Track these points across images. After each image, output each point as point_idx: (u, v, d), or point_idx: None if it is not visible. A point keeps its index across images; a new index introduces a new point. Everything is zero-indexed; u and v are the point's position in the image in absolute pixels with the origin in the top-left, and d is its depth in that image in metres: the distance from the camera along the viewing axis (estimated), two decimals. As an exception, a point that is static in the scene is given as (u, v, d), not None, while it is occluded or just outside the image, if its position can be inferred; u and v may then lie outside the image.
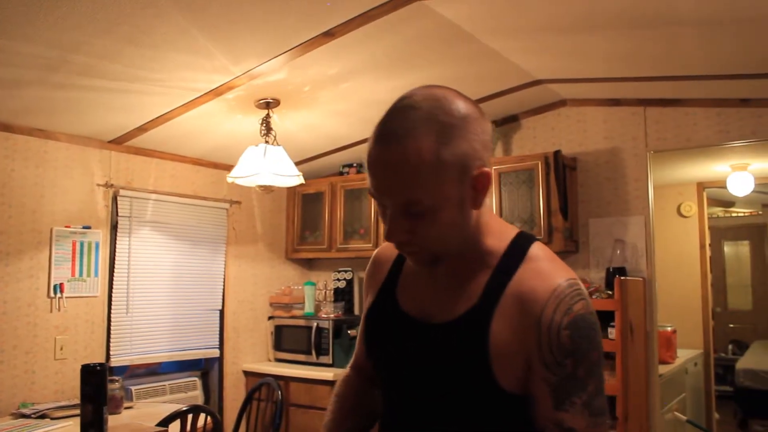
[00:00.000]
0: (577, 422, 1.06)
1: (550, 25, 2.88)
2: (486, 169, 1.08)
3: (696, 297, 5.59)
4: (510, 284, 1.11)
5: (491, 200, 1.08)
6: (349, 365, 1.53)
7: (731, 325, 8.07)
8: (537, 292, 1.08)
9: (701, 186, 5.71)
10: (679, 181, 5.65)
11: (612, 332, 3.53)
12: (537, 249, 1.16)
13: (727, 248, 8.40)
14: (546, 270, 1.12)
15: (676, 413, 4.43)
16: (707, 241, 5.71)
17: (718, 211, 7.42)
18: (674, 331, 4.80)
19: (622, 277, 3.61)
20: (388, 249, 1.37)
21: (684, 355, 4.97)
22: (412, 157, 1.02)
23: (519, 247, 1.16)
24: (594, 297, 3.64)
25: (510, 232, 1.19)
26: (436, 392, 1.17)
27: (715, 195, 6.17)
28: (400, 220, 1.08)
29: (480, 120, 1.11)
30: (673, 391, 4.47)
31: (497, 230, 1.19)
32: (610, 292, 3.63)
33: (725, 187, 5.30)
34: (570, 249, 3.99)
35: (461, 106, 1.09)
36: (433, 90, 1.10)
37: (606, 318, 3.60)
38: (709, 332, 5.56)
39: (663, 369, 4.17)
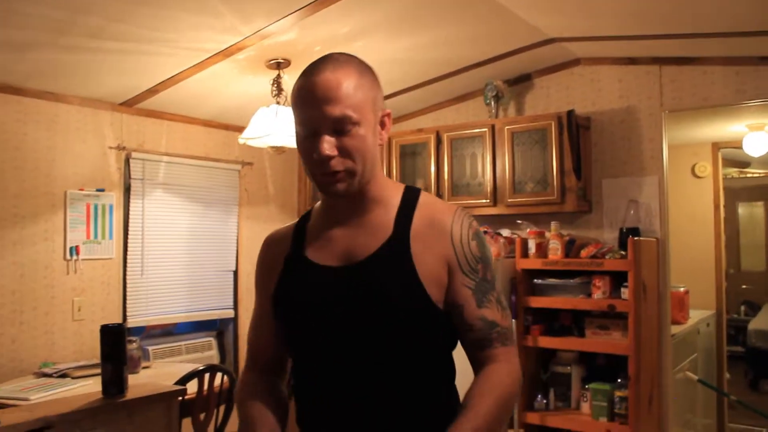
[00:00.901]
0: (495, 314, 1.30)
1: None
2: (388, 111, 1.34)
3: (709, 258, 5.56)
4: (415, 215, 1.31)
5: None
6: (242, 370, 1.49)
7: (744, 286, 8.04)
8: (442, 215, 1.31)
9: (716, 146, 5.64)
10: (694, 141, 5.58)
11: (625, 292, 3.53)
12: (426, 194, 1.39)
13: (741, 209, 8.33)
14: (440, 204, 1.37)
15: (687, 373, 4.45)
16: (721, 202, 5.66)
17: (733, 171, 7.33)
18: (687, 292, 4.79)
19: (635, 238, 3.60)
20: (280, 231, 1.48)
21: (696, 315, 4.97)
22: (343, 79, 1.24)
23: (412, 193, 1.37)
24: (607, 257, 3.64)
25: (399, 184, 1.41)
26: (372, 330, 1.25)
27: (730, 155, 6.08)
28: (330, 137, 1.24)
29: (376, 77, 1.34)
30: (685, 352, 4.48)
31: (388, 181, 1.39)
32: (623, 253, 3.62)
33: (741, 148, 5.23)
34: (583, 209, 3.97)
35: (363, 63, 1.32)
36: (337, 53, 1.32)
37: (619, 278, 3.60)
38: (721, 293, 5.55)
39: (675, 329, 4.18)
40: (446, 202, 1.38)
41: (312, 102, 1.24)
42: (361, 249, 1.30)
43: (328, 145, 1.23)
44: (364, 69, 1.31)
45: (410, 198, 1.35)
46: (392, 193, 1.35)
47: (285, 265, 1.38)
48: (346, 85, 1.24)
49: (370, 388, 1.26)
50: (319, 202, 1.43)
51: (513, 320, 1.40)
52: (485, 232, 3.94)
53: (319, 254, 1.34)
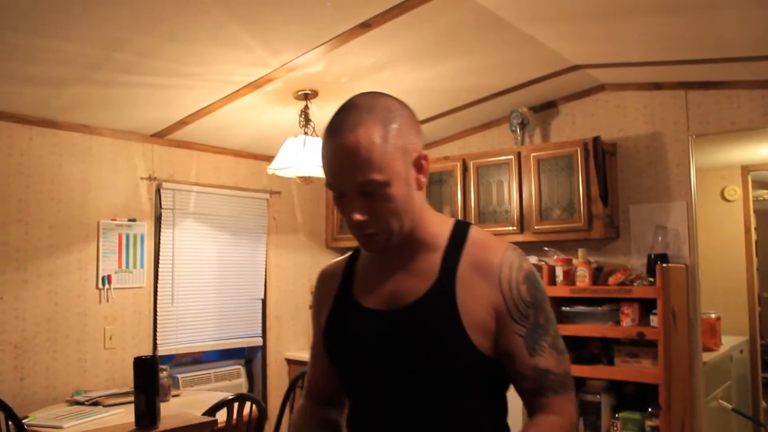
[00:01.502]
0: (549, 362, 1.24)
1: (588, 10, 2.85)
2: (424, 152, 1.27)
3: (741, 282, 5.47)
4: (462, 258, 1.26)
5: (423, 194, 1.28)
6: (303, 396, 1.52)
7: (778, 311, 7.88)
8: (490, 258, 1.25)
9: (746, 169, 5.58)
10: (723, 165, 5.53)
11: (654, 320, 3.49)
12: (476, 230, 1.32)
13: (774, 232, 8.18)
14: (490, 242, 1.30)
15: (721, 401, 4.37)
16: (753, 225, 5.58)
17: (764, 194, 7.23)
18: (718, 318, 4.71)
19: (664, 264, 3.56)
20: (332, 266, 1.47)
21: (729, 342, 4.88)
22: (364, 141, 1.18)
23: (461, 230, 1.31)
24: (635, 284, 3.61)
25: (448, 219, 1.35)
26: (418, 374, 1.24)
27: (760, 178, 6.01)
28: (358, 200, 1.21)
29: (409, 114, 1.28)
30: (717, 379, 4.40)
31: (438, 218, 1.34)
32: (651, 279, 3.59)
33: (771, 170, 5.18)
34: (610, 236, 3.95)
35: (393, 103, 1.26)
36: (368, 94, 1.27)
37: (648, 305, 3.57)
38: (755, 318, 5.45)
39: (707, 356, 4.11)
40: (496, 239, 1.33)
41: (335, 167, 1.21)
42: (406, 294, 1.27)
43: (358, 209, 1.21)
44: (391, 116, 1.22)
45: (458, 236, 1.30)
46: (441, 232, 1.30)
47: (334, 304, 1.39)
48: (367, 146, 1.17)
49: (414, 430, 1.26)
50: None
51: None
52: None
53: (366, 296, 1.33)
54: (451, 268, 1.25)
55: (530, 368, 1.23)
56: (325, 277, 1.46)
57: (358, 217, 1.21)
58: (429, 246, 1.29)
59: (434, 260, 1.27)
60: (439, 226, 1.31)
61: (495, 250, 1.27)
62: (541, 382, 1.23)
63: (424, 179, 1.27)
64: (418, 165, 1.26)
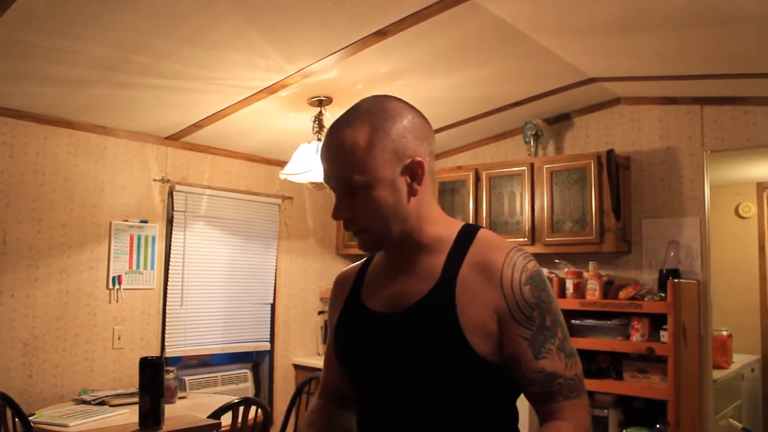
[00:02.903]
0: (557, 365, 1.19)
1: (605, 23, 2.84)
2: (419, 158, 1.23)
3: (754, 300, 5.42)
4: (465, 259, 1.23)
5: (435, 193, 1.29)
6: (316, 395, 1.53)
7: (791, 330, 7.79)
8: (493, 258, 1.21)
9: (761, 186, 5.54)
10: (737, 181, 5.49)
11: (664, 335, 3.46)
12: (484, 231, 1.29)
13: (788, 250, 8.10)
14: (495, 242, 1.26)
15: (731, 420, 4.32)
16: (767, 243, 5.54)
17: (779, 212, 7.17)
18: (730, 335, 4.67)
19: (675, 280, 3.54)
20: (348, 269, 1.48)
21: (740, 360, 4.83)
22: (348, 141, 1.20)
23: (468, 232, 1.29)
24: (646, 299, 3.58)
25: (457, 222, 1.32)
26: (418, 377, 1.22)
27: (775, 195, 5.97)
28: (343, 198, 1.23)
29: (416, 119, 1.26)
30: (728, 398, 4.36)
31: (445, 221, 1.31)
32: (662, 295, 3.56)
33: (787, 188, 5.13)
34: (622, 249, 3.93)
35: (396, 106, 1.26)
36: (377, 96, 1.29)
37: (658, 321, 3.54)
38: (767, 337, 5.40)
39: (717, 374, 4.07)
40: (503, 240, 1.28)
41: (324, 162, 1.26)
42: (407, 296, 1.25)
43: (342, 207, 1.24)
44: (387, 118, 1.23)
45: (465, 238, 1.27)
46: (447, 235, 1.28)
47: (343, 306, 1.40)
48: (350, 146, 1.20)
49: None
50: None
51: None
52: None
53: (371, 298, 1.34)
54: (452, 270, 1.23)
55: (537, 372, 1.18)
56: (340, 280, 1.48)
57: (339, 214, 1.24)
58: (433, 248, 1.27)
59: (437, 262, 1.25)
60: (445, 229, 1.29)
61: (499, 250, 1.23)
62: (549, 387, 1.19)
63: (417, 186, 1.24)
64: (412, 170, 1.24)
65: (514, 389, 1.25)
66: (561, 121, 4.39)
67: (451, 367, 1.19)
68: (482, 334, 1.18)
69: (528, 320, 1.19)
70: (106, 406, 3.28)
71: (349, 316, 1.37)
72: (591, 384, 3.68)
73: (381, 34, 2.85)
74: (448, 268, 1.23)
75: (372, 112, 1.23)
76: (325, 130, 3.66)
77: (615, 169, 3.86)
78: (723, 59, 3.19)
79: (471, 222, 4.25)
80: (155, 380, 1.96)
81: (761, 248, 5.48)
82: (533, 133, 4.29)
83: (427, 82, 3.52)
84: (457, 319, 1.18)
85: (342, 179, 1.22)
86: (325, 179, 1.27)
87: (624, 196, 3.95)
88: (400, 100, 1.29)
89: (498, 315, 1.19)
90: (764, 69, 3.21)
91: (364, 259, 1.46)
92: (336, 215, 1.25)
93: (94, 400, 3.36)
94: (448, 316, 1.19)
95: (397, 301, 1.27)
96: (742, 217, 5.59)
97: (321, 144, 1.28)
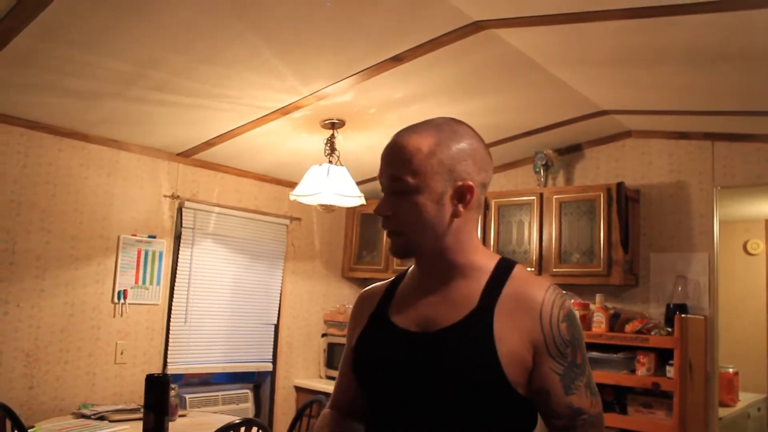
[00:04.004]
0: (584, 402, 1.23)
1: (617, 56, 2.86)
2: (470, 183, 1.27)
3: (761, 338, 5.38)
4: (504, 289, 1.26)
5: (477, 225, 1.33)
6: (327, 405, 1.53)
7: (797, 370, 7.72)
8: (532, 294, 1.24)
9: (770, 224, 5.53)
10: (747, 218, 5.48)
11: (670, 371, 3.44)
12: (520, 268, 1.32)
13: (795, 290, 8.05)
14: (533, 279, 1.29)
15: (735, 459, 4.26)
16: (775, 281, 5.51)
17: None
18: (736, 373, 4.63)
19: (682, 315, 3.52)
20: (374, 287, 1.49)
21: (747, 398, 4.78)
22: (412, 145, 1.25)
23: (506, 265, 1.31)
24: (653, 333, 3.56)
25: (495, 255, 1.36)
26: (441, 400, 1.21)
27: (784, 234, 5.95)
28: (389, 197, 1.28)
29: (479, 148, 1.31)
30: (733, 436, 4.31)
31: (483, 252, 1.35)
32: (669, 329, 3.54)
33: (796, 227, 5.12)
34: (629, 283, 3.91)
35: (465, 131, 1.31)
36: (452, 117, 1.35)
37: (665, 355, 3.51)
38: (773, 376, 5.35)
39: (723, 412, 4.03)
40: (540, 277, 1.34)
41: (383, 160, 1.30)
42: (442, 318, 1.26)
43: (384, 204, 1.28)
44: (454, 138, 1.28)
45: (503, 270, 1.30)
46: (484, 264, 1.30)
47: (368, 322, 1.40)
48: (412, 150, 1.25)
49: None
50: (413, 265, 1.42)
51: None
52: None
53: (400, 317, 1.33)
54: (491, 298, 1.24)
55: (565, 406, 1.21)
56: (364, 297, 1.48)
57: (382, 212, 1.28)
58: (470, 275, 1.29)
59: (475, 289, 1.27)
60: (483, 258, 1.32)
61: (539, 286, 1.26)
62: (574, 422, 1.22)
63: (462, 208, 1.27)
64: (461, 192, 1.27)
65: (531, 423, 1.27)
66: (572, 152, 4.40)
67: (481, 393, 1.20)
68: (518, 364, 1.20)
69: (562, 356, 1.22)
70: (106, 421, 3.26)
71: (374, 332, 1.37)
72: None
73: (397, 59, 2.87)
74: (486, 297, 1.25)
75: (442, 128, 1.29)
76: (337, 152, 3.70)
77: (624, 201, 3.86)
78: (734, 95, 3.21)
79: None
80: (161, 398, 1.95)
81: (769, 286, 5.44)
82: (543, 163, 4.29)
83: (441, 109, 3.54)
84: (495, 347, 1.19)
85: (394, 178, 1.26)
86: (379, 177, 1.31)
87: (633, 229, 3.94)
88: (471, 127, 1.34)
89: (534, 347, 1.21)
90: (776, 107, 3.22)
91: (393, 277, 1.47)
92: (378, 211, 1.29)
93: (94, 414, 3.34)
94: (486, 343, 1.20)
95: (429, 322, 1.27)
96: (750, 254, 5.57)
97: (385, 147, 1.32)
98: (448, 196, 1.26)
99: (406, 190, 1.25)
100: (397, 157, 1.26)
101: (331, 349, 4.88)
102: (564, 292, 1.27)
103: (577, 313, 1.27)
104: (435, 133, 1.27)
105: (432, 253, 1.29)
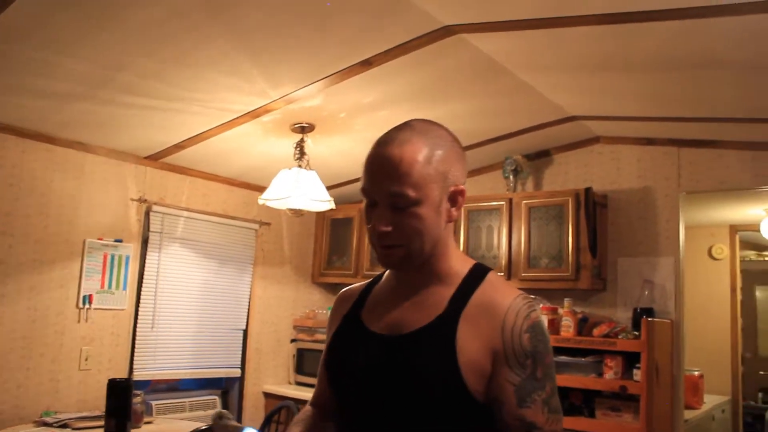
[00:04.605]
0: (538, 417, 1.18)
1: (587, 63, 2.89)
2: (462, 187, 1.28)
3: (725, 342, 5.48)
4: (473, 296, 1.25)
5: (453, 232, 1.34)
6: (308, 402, 1.56)
7: (761, 372, 7.85)
8: (498, 302, 1.23)
9: (734, 229, 5.63)
10: (712, 223, 5.58)
11: (637, 374, 3.47)
12: (494, 275, 1.32)
13: (760, 293, 8.20)
14: (503, 287, 1.28)
15: (700, 461, 4.33)
16: (738, 285, 5.61)
17: (751, 254, 7.28)
18: (701, 376, 4.70)
19: (649, 319, 3.56)
20: (352, 288, 1.49)
21: (711, 401, 4.86)
22: (407, 156, 1.22)
23: (479, 271, 1.31)
24: (620, 337, 3.59)
25: (470, 260, 1.35)
26: (402, 403, 1.21)
27: (748, 238, 6.06)
28: (387, 211, 1.24)
29: (459, 148, 1.31)
30: (698, 438, 4.37)
31: (460, 256, 1.34)
32: (636, 333, 3.58)
33: (759, 231, 5.22)
34: (597, 287, 3.95)
35: (444, 132, 1.30)
36: (426, 120, 1.32)
37: (632, 359, 3.55)
38: (738, 379, 5.44)
39: (689, 414, 4.09)
40: (512, 286, 1.33)
41: (374, 174, 1.25)
42: (409, 322, 1.26)
43: (384, 219, 1.23)
44: (441, 143, 1.27)
45: (475, 276, 1.29)
46: (459, 269, 1.30)
47: (341, 322, 1.41)
48: (409, 162, 1.21)
49: None
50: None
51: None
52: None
53: (372, 318, 1.34)
54: (458, 305, 1.24)
55: (516, 418, 1.17)
56: (342, 298, 1.49)
57: (383, 227, 1.24)
58: (445, 280, 1.29)
59: (446, 294, 1.26)
60: (459, 264, 1.31)
61: (507, 294, 1.25)
62: None
63: (455, 213, 1.29)
64: (454, 198, 1.28)
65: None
66: (541, 157, 4.44)
67: (440, 399, 1.19)
68: (477, 372, 1.18)
69: (520, 367, 1.19)
70: (69, 429, 3.19)
71: (345, 333, 1.38)
72: (563, 421, 3.66)
73: (366, 63, 2.87)
74: (453, 303, 1.25)
75: (428, 135, 1.26)
76: (307, 157, 3.68)
77: (592, 206, 3.90)
78: (699, 103, 3.26)
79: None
80: (122, 403, 1.91)
81: (733, 290, 5.55)
82: (513, 168, 4.32)
83: (411, 113, 3.51)
84: (455, 353, 1.19)
85: (392, 193, 1.22)
86: (368, 192, 1.27)
87: (600, 234, 3.98)
88: (445, 127, 1.32)
89: (493, 356, 1.19)
90: (738, 114, 3.28)
91: (371, 279, 1.47)
92: (378, 227, 1.24)
93: (56, 422, 3.27)
94: (447, 350, 1.19)
95: (398, 326, 1.28)
96: (715, 259, 5.67)
97: (368, 157, 1.29)
98: (444, 202, 1.26)
99: (408, 204, 1.22)
100: (394, 171, 1.22)
101: (301, 355, 4.85)
102: (534, 297, 1.26)
103: (545, 325, 1.23)
104: (423, 140, 1.24)
105: (425, 259, 1.28)
